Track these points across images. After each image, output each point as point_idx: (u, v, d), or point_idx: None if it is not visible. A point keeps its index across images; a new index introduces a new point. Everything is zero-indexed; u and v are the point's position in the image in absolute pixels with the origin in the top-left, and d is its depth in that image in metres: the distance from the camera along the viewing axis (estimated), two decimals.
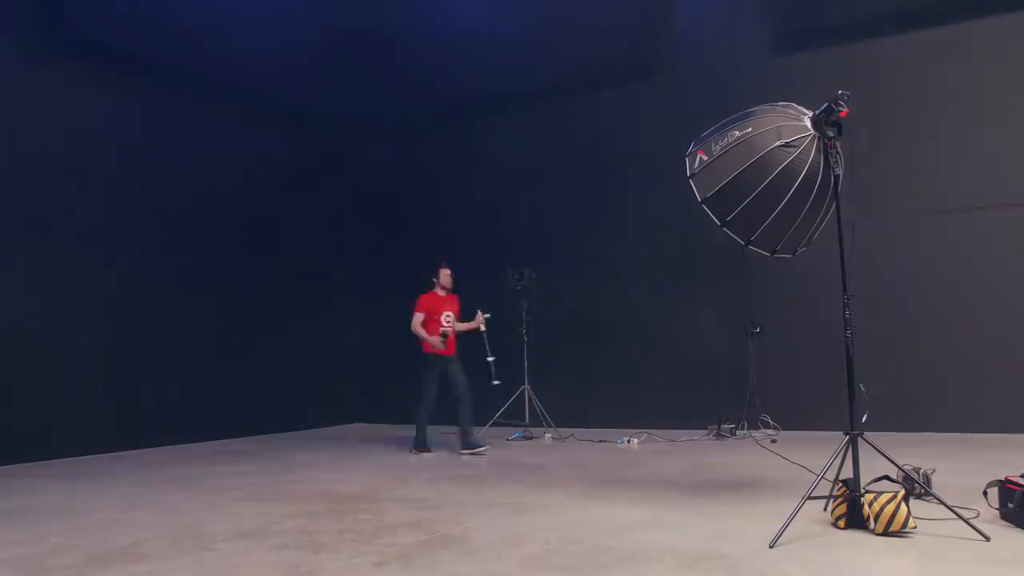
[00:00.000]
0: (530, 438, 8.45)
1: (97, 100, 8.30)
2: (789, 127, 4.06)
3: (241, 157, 9.79)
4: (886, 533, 3.57)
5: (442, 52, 10.71)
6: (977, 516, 3.68)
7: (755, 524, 3.89)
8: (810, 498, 3.72)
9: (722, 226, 4.29)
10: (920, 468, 4.36)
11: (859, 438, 3.82)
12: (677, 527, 3.97)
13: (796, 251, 4.44)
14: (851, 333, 3.89)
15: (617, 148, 9.53)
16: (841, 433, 3.87)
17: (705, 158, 4.26)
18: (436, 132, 11.01)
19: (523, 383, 8.70)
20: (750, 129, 4.12)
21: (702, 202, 4.30)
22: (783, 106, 4.26)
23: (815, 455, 4.64)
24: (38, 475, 6.55)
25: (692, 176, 4.34)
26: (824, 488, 3.86)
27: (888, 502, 3.61)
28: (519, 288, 8.78)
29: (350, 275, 11.40)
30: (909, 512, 3.58)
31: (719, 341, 8.59)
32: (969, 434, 7.37)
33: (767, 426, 8.09)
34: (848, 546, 3.49)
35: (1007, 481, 3.82)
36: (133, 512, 4.82)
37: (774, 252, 4.41)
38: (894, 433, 6.96)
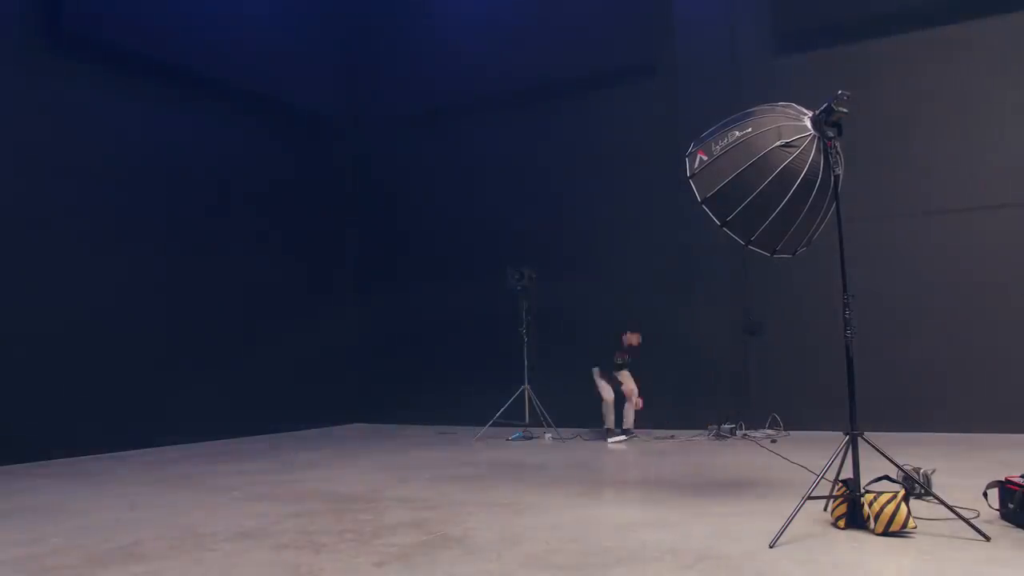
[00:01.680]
0: (530, 438, 8.44)
1: (97, 100, 8.29)
2: (789, 127, 4.06)
3: (242, 157, 9.80)
4: (886, 533, 3.57)
5: (442, 52, 10.72)
6: (977, 516, 3.68)
7: (755, 524, 3.89)
8: (810, 498, 3.72)
9: (722, 226, 4.29)
10: (920, 468, 4.36)
11: (859, 438, 3.82)
12: (677, 527, 3.97)
13: (796, 251, 4.44)
14: (851, 333, 3.88)
15: (617, 148, 9.53)
16: (841, 433, 3.87)
17: (705, 158, 4.26)
18: (436, 132, 11.01)
19: (523, 383, 8.70)
20: (750, 129, 4.12)
21: (702, 202, 4.31)
22: (783, 106, 4.26)
23: (815, 455, 4.64)
24: (38, 475, 6.55)
25: (692, 176, 4.34)
26: (824, 488, 3.86)
27: (888, 502, 3.60)
28: (519, 288, 8.77)
29: (351, 275, 11.41)
30: (909, 512, 3.58)
31: (719, 341, 8.58)
32: (969, 434, 7.37)
33: (776, 425, 8.07)
34: (848, 546, 3.49)
35: (1007, 481, 3.81)
36: (133, 512, 4.81)
37: (774, 252, 4.41)
38: (894, 433, 6.96)
